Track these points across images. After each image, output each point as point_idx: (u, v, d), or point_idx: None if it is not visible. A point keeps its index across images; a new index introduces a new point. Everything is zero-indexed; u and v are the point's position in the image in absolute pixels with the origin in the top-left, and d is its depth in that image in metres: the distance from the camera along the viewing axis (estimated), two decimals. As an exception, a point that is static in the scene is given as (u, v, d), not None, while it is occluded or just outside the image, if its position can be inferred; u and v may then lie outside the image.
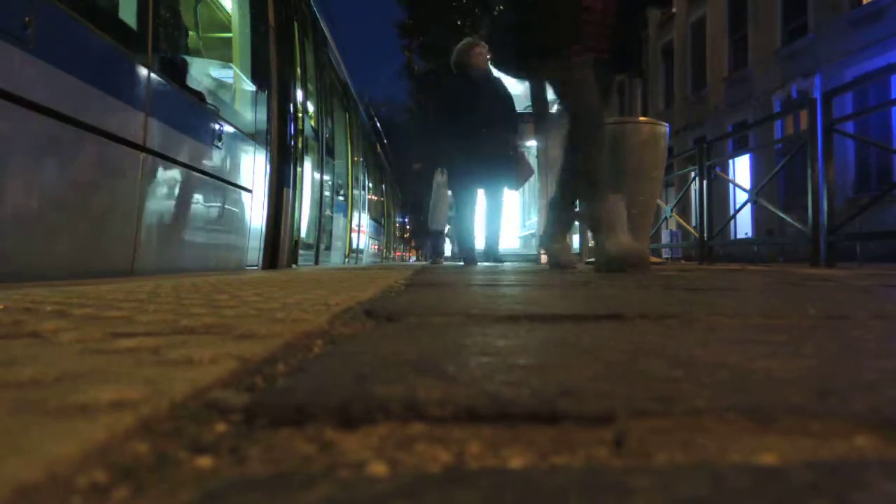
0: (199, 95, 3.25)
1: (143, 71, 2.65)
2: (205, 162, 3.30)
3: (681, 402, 0.39)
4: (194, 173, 3.17)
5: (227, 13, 4.70)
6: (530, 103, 4.08)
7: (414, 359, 0.54)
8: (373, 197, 12.30)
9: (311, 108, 6.07)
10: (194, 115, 3.20)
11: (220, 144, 3.48)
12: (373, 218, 12.09)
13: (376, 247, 13.34)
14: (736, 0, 17.65)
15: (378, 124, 14.89)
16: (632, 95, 12.78)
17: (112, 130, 2.41)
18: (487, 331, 0.73)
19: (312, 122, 6.12)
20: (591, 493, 0.26)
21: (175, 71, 3.00)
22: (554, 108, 4.07)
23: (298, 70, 5.24)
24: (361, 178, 10.20)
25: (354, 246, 9.21)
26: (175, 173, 2.97)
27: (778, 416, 0.36)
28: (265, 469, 0.29)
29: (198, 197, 3.28)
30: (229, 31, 4.62)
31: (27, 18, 1.88)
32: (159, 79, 2.79)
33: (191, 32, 3.96)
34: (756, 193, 5.81)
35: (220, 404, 0.38)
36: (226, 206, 3.65)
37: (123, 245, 2.58)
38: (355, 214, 9.35)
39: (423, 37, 19.56)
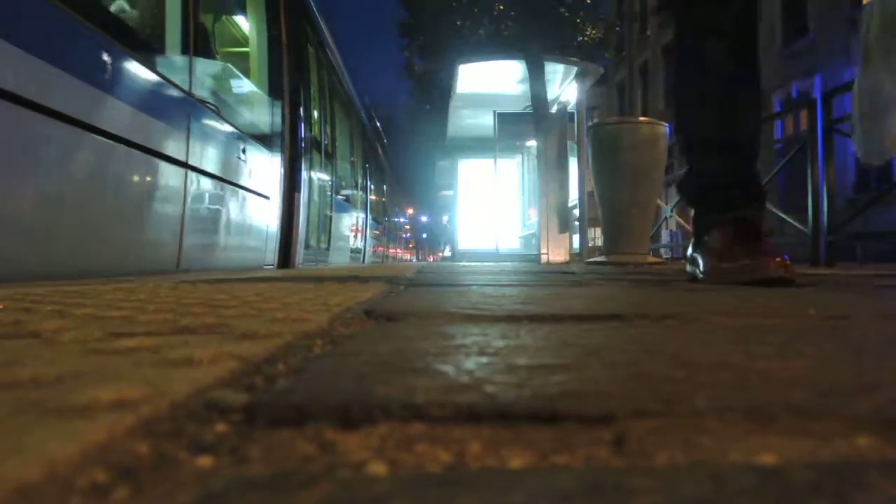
0: (228, 116, 3.79)
1: (184, 98, 3.13)
2: (234, 174, 3.88)
3: (681, 402, 0.39)
4: (226, 185, 3.73)
5: (245, 34, 5.19)
6: (530, 103, 4.08)
7: (414, 359, 0.54)
8: (374, 197, 12.34)
9: (319, 117, 6.54)
10: (225, 133, 3.71)
11: (244, 158, 4.03)
12: (374, 218, 12.14)
13: (378, 246, 13.40)
14: (736, 0, 17.61)
15: (378, 125, 14.89)
16: (632, 95, 12.74)
17: (156, 147, 2.82)
18: (487, 331, 0.73)
19: (320, 131, 6.49)
20: (590, 493, 0.26)
21: (208, 94, 3.52)
22: (554, 109, 4.03)
23: (308, 83, 5.71)
24: (364, 180, 10.37)
25: (358, 246, 9.35)
26: (211, 185, 3.51)
27: (778, 416, 0.36)
28: (265, 469, 0.29)
29: (230, 204, 3.84)
30: (244, 47, 5.12)
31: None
32: (195, 102, 3.27)
33: (217, 57, 4.43)
34: (756, 193, 5.79)
35: (220, 404, 0.38)
36: (251, 213, 4.24)
37: (171, 245, 3.06)
38: (358, 215, 9.48)
39: (423, 37, 19.54)
